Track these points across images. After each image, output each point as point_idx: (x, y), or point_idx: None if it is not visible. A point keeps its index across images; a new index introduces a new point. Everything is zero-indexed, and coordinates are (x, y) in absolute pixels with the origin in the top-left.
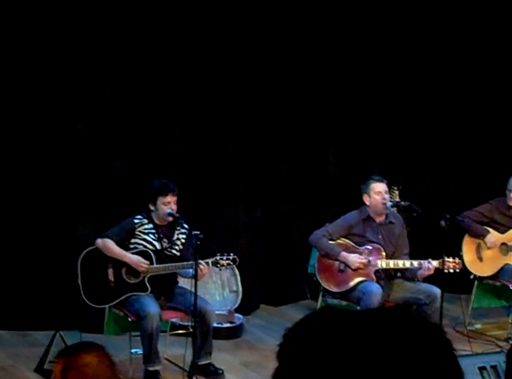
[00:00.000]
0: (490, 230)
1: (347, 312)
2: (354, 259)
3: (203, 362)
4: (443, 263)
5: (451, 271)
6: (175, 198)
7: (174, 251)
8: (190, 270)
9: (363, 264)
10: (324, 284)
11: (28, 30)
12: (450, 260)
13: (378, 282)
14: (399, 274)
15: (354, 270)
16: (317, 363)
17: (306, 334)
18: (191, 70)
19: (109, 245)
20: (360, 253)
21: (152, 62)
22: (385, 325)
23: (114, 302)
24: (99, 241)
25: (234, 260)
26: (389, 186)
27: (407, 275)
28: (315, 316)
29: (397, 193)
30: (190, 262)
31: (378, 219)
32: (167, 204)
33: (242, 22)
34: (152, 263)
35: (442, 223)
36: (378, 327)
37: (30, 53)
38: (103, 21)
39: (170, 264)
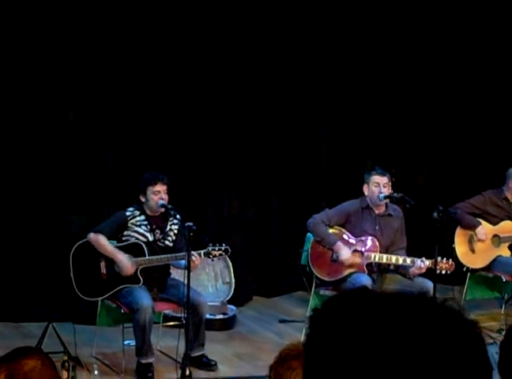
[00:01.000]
0: (482, 221)
1: (382, 294)
2: (345, 255)
3: (196, 354)
4: (436, 263)
5: (443, 272)
6: (164, 187)
7: (167, 242)
8: (183, 261)
9: (352, 261)
10: (316, 272)
11: (21, 22)
12: (444, 261)
13: (369, 274)
14: (392, 267)
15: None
16: (345, 339)
17: (339, 309)
18: (184, 61)
19: (101, 242)
20: (355, 245)
21: (145, 54)
22: (420, 314)
23: (107, 295)
24: (91, 236)
25: (226, 251)
26: None
27: (400, 270)
28: (352, 293)
29: (389, 184)
30: (182, 253)
31: (377, 211)
32: (157, 194)
33: (234, 16)
34: (144, 255)
35: (435, 214)
36: (413, 314)
37: (22, 45)
38: (96, 13)
39: (162, 256)
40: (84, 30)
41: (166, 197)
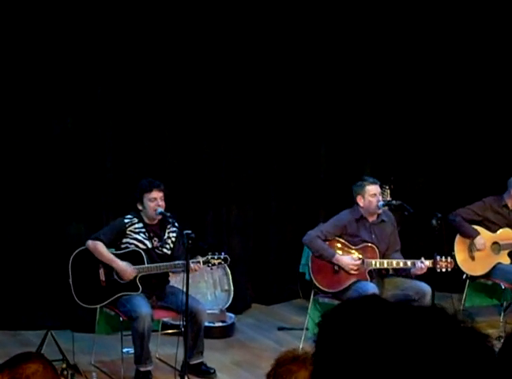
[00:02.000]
0: (480, 231)
1: (390, 303)
2: (348, 262)
3: (195, 362)
4: (435, 263)
5: (443, 270)
6: (161, 194)
7: (165, 250)
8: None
9: (357, 266)
10: (318, 284)
11: (20, 29)
12: (443, 259)
13: (371, 281)
14: (391, 271)
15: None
16: (355, 348)
17: (349, 317)
18: (182, 69)
19: (100, 249)
20: (354, 253)
21: (143, 62)
22: (431, 325)
23: (106, 302)
24: (90, 243)
25: (225, 260)
26: (381, 185)
27: (401, 273)
28: (360, 301)
29: (388, 192)
30: (182, 262)
31: (371, 219)
32: (154, 201)
33: (233, 17)
34: (143, 263)
35: (434, 222)
36: (424, 326)
37: (21, 52)
38: (95, 20)
39: (161, 264)
40: (82, 37)
41: (163, 203)
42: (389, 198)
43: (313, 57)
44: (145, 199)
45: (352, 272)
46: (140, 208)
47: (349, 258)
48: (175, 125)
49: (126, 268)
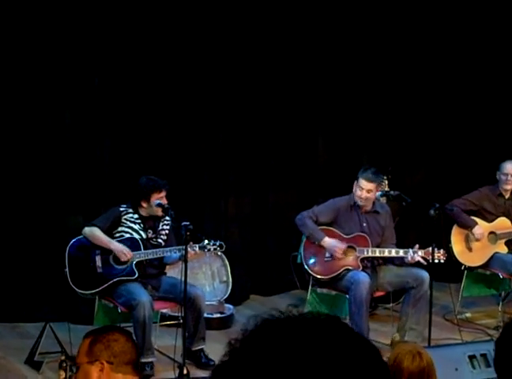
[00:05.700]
0: (478, 221)
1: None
2: (333, 244)
3: (196, 348)
4: (429, 253)
5: (436, 261)
6: (165, 192)
7: (159, 240)
8: (174, 254)
9: (341, 250)
10: (310, 270)
11: (16, 22)
12: (435, 250)
13: (364, 270)
14: (381, 261)
15: (339, 256)
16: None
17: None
18: (181, 61)
19: (96, 233)
20: (346, 242)
21: (141, 53)
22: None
23: (102, 287)
24: (86, 229)
25: (221, 246)
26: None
27: (396, 262)
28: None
29: (386, 182)
30: (179, 247)
31: (364, 208)
32: (161, 199)
33: (231, 13)
34: (139, 250)
35: (432, 212)
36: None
37: (18, 44)
38: (92, 12)
39: (158, 250)
40: (79, 29)
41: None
42: (387, 188)
43: (310, 48)
44: (153, 198)
45: (337, 254)
46: (144, 205)
47: (335, 241)
48: (172, 117)
49: (122, 248)
